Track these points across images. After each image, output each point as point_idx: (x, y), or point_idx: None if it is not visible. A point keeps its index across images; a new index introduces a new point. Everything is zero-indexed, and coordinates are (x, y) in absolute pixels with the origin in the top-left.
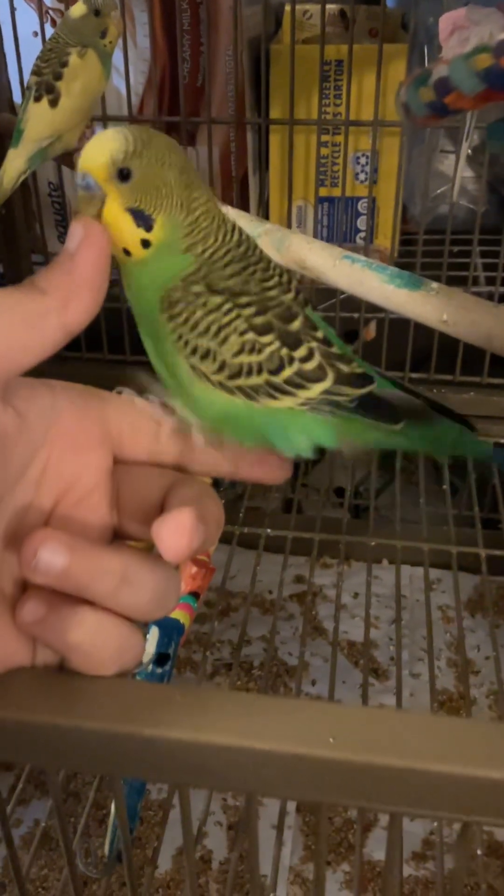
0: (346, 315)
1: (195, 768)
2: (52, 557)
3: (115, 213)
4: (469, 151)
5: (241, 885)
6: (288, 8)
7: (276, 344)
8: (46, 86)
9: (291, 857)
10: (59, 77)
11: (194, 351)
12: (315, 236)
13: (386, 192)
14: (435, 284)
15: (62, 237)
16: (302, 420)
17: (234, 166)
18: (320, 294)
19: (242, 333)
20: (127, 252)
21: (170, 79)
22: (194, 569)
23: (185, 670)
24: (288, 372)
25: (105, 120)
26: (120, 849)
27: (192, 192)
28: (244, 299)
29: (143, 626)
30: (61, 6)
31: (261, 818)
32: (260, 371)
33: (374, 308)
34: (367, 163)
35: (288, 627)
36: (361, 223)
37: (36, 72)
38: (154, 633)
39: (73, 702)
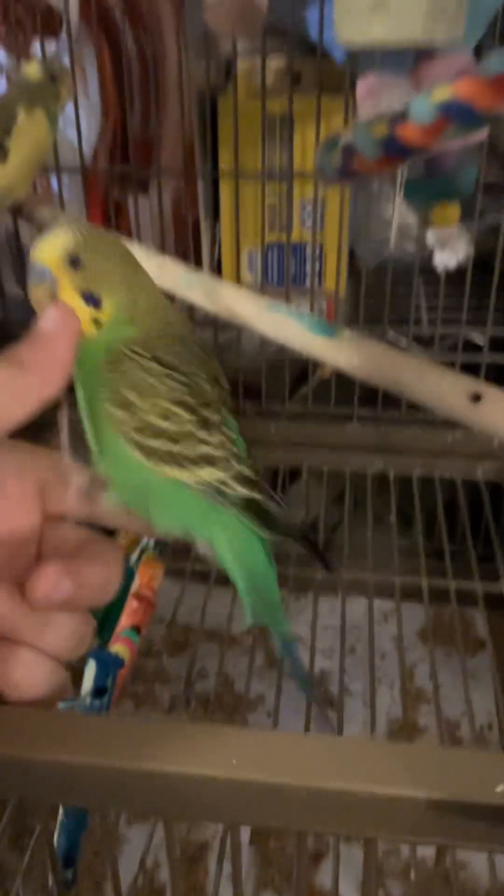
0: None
1: (108, 792)
2: None
3: (69, 295)
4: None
5: None
6: (238, 62)
7: (192, 422)
8: None
9: (245, 888)
10: (8, 133)
11: (117, 399)
12: (265, 280)
13: (332, 237)
14: (348, 333)
15: (20, 282)
16: (185, 497)
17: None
18: None
19: (166, 400)
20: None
21: (121, 131)
22: (135, 603)
23: (144, 705)
24: (191, 448)
25: (59, 171)
26: (65, 877)
27: (133, 274)
28: (178, 376)
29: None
30: (13, 62)
31: (215, 850)
32: (167, 437)
33: None
34: (313, 210)
35: (244, 661)
36: (311, 267)
37: None
38: (91, 667)
39: None
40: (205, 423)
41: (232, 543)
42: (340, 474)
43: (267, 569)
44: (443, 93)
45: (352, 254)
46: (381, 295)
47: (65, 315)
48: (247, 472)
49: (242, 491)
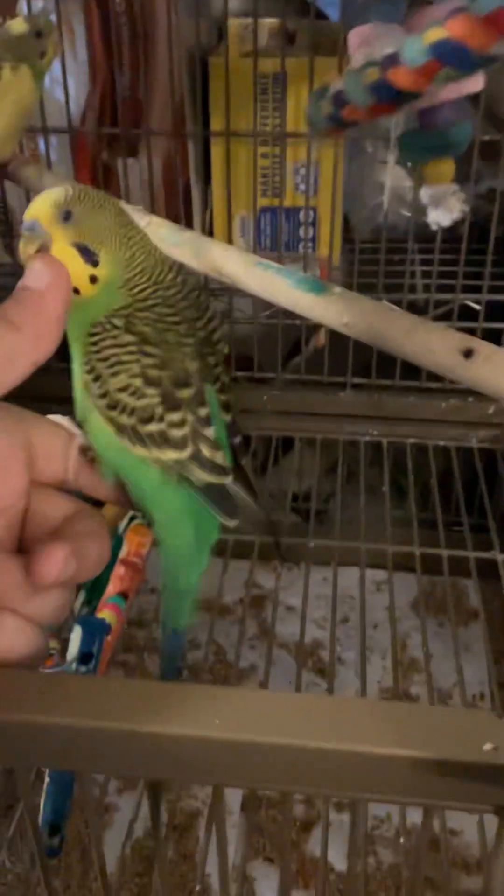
0: (290, 322)
1: (87, 753)
2: None
3: (63, 249)
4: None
5: (183, 885)
6: (230, 21)
7: (157, 399)
8: None
9: (235, 856)
10: None
11: (91, 371)
12: (258, 246)
13: (326, 202)
14: (338, 289)
15: (7, 247)
16: (147, 473)
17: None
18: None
19: (133, 376)
20: (77, 291)
21: (110, 91)
22: (122, 570)
23: (135, 676)
24: (152, 428)
25: (46, 132)
26: (51, 845)
27: (128, 230)
28: (151, 349)
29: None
30: None
31: (205, 817)
32: (131, 414)
33: None
34: (306, 174)
35: (235, 631)
36: (304, 232)
37: None
38: (77, 632)
39: None
40: (172, 401)
41: (181, 529)
42: (334, 444)
43: (196, 565)
44: (435, 33)
45: (346, 220)
46: (375, 261)
47: (52, 268)
48: (213, 455)
49: (205, 477)
